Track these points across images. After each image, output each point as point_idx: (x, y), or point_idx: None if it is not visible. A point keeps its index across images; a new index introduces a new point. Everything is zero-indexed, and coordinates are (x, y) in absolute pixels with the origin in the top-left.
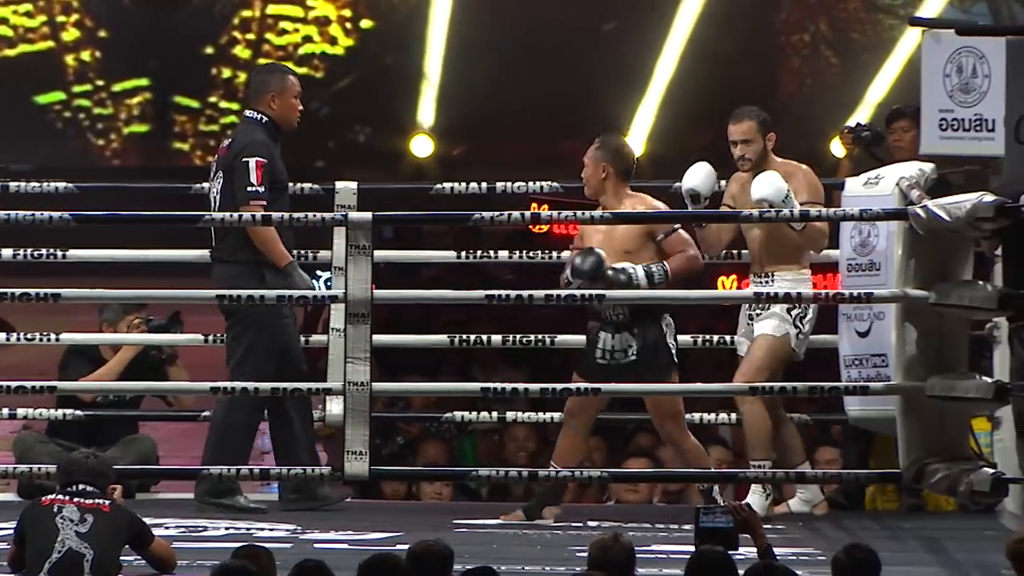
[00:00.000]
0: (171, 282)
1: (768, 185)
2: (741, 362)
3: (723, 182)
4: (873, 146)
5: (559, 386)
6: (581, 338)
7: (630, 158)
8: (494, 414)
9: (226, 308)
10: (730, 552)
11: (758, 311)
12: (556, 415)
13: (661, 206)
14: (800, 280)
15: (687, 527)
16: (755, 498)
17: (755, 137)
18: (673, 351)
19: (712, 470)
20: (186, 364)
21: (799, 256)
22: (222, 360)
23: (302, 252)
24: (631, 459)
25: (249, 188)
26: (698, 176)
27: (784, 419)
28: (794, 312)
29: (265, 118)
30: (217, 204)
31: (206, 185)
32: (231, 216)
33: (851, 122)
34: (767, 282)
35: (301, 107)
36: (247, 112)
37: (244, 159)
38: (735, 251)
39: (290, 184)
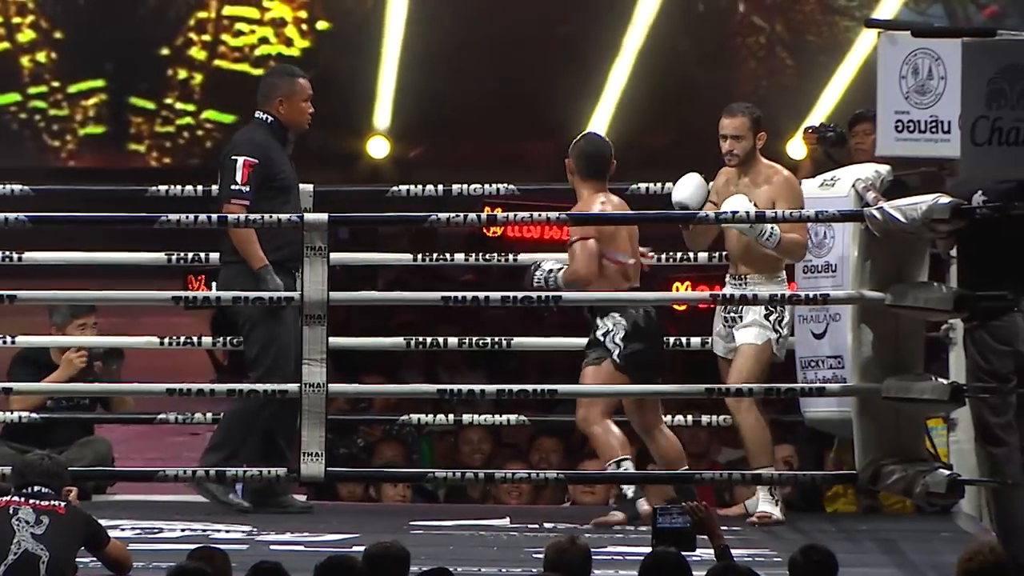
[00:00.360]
0: (128, 284)
1: (686, 187)
2: (730, 372)
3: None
4: (836, 147)
5: (515, 387)
6: (538, 340)
7: (598, 158)
8: (450, 416)
9: (231, 314)
10: (687, 553)
11: (737, 315)
12: (512, 417)
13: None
14: (775, 286)
15: (643, 528)
16: (768, 505)
17: (746, 134)
18: (611, 346)
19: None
20: (142, 367)
21: (775, 262)
22: (178, 363)
23: None
24: (587, 460)
25: (232, 187)
26: (687, 189)
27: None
28: (772, 317)
29: (271, 118)
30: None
31: (162, 188)
32: (187, 217)
33: (814, 122)
34: (741, 285)
35: (312, 110)
36: (255, 114)
37: (232, 157)
38: (691, 255)
39: None
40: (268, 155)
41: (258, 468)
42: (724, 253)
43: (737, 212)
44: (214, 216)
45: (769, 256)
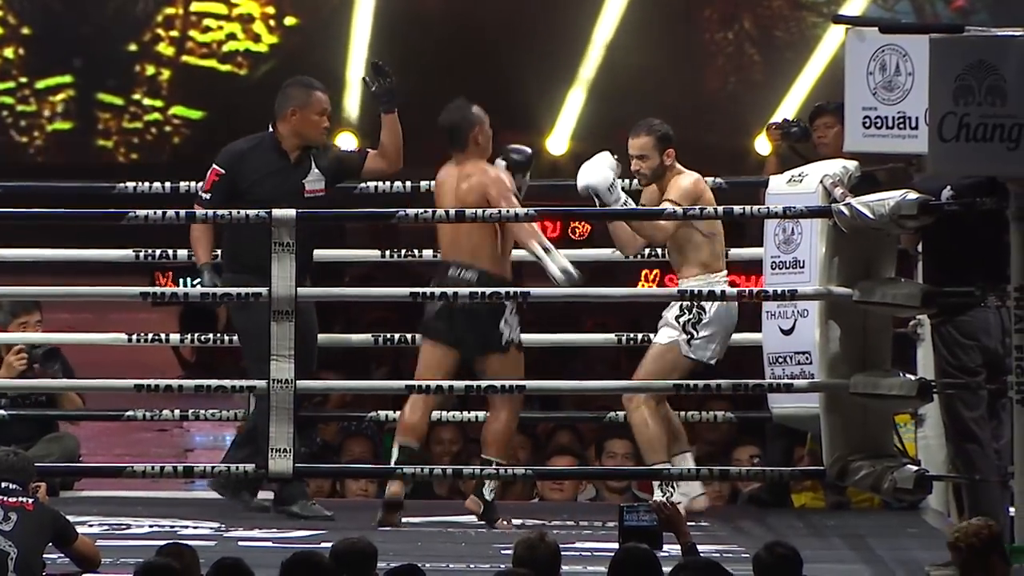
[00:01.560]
0: (93, 281)
1: (592, 173)
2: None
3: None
4: (800, 143)
5: (484, 383)
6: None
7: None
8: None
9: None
10: (654, 551)
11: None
12: (480, 413)
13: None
14: (707, 284)
15: (611, 524)
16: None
17: (651, 153)
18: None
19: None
20: (110, 362)
21: (706, 258)
22: (145, 359)
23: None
24: (555, 457)
25: (199, 192)
26: (588, 172)
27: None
28: (683, 318)
29: (271, 130)
30: None
31: (130, 184)
32: (155, 213)
33: (778, 118)
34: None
35: (327, 124)
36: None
37: (213, 163)
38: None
39: None
40: (240, 167)
41: (225, 464)
42: None
43: (598, 190)
44: (182, 212)
45: (694, 253)
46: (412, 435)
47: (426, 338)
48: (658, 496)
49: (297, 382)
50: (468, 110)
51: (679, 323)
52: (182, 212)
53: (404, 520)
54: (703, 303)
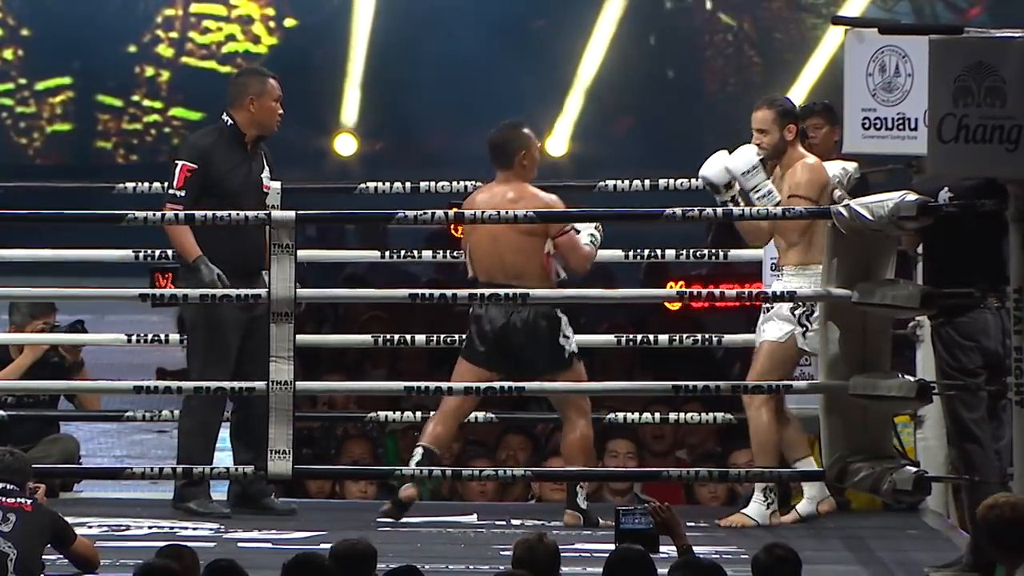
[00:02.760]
0: (93, 282)
1: (733, 156)
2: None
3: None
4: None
5: (483, 384)
6: None
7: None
8: (418, 414)
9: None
10: (651, 554)
11: (767, 308)
12: (480, 414)
13: (553, 199)
14: (810, 275)
15: (610, 524)
16: (756, 507)
17: (770, 128)
18: (565, 347)
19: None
20: (107, 364)
21: (812, 249)
22: (143, 360)
23: None
24: (553, 458)
25: (170, 191)
26: (710, 165)
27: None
28: (799, 311)
29: (230, 121)
30: None
31: (130, 185)
32: (154, 215)
33: None
34: (778, 277)
35: (281, 111)
36: (223, 115)
37: (175, 161)
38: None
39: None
40: (210, 161)
41: (225, 467)
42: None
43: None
44: (181, 213)
45: (797, 243)
46: (438, 443)
47: (468, 361)
48: (759, 502)
49: (297, 383)
50: (519, 129)
51: (795, 315)
52: (181, 213)
53: (404, 520)
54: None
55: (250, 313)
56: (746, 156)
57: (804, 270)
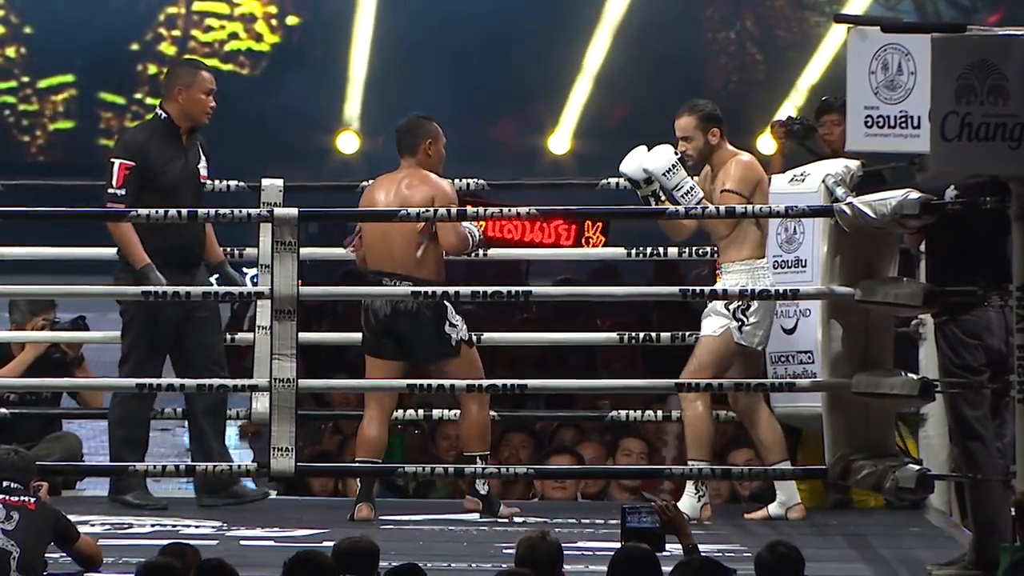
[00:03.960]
0: (87, 280)
1: (651, 156)
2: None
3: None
4: (805, 140)
5: (485, 382)
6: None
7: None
8: (420, 412)
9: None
10: (657, 552)
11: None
12: (494, 414)
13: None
14: (749, 269)
15: (613, 523)
16: (687, 500)
17: (694, 134)
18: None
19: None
20: (101, 361)
21: (753, 245)
22: None
23: (227, 249)
24: (555, 456)
25: (108, 190)
26: (628, 162)
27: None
28: (733, 305)
29: (164, 115)
30: None
31: None
32: (156, 212)
33: (782, 116)
34: (719, 274)
35: (213, 104)
36: (156, 108)
37: (110, 159)
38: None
39: (214, 181)
40: (146, 156)
41: (228, 463)
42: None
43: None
44: (183, 211)
45: (734, 239)
46: (371, 451)
47: (369, 355)
48: (690, 495)
49: (299, 381)
50: (430, 121)
51: (729, 310)
52: (184, 211)
53: (406, 518)
54: (751, 289)
55: (188, 308)
56: (664, 156)
57: (742, 265)
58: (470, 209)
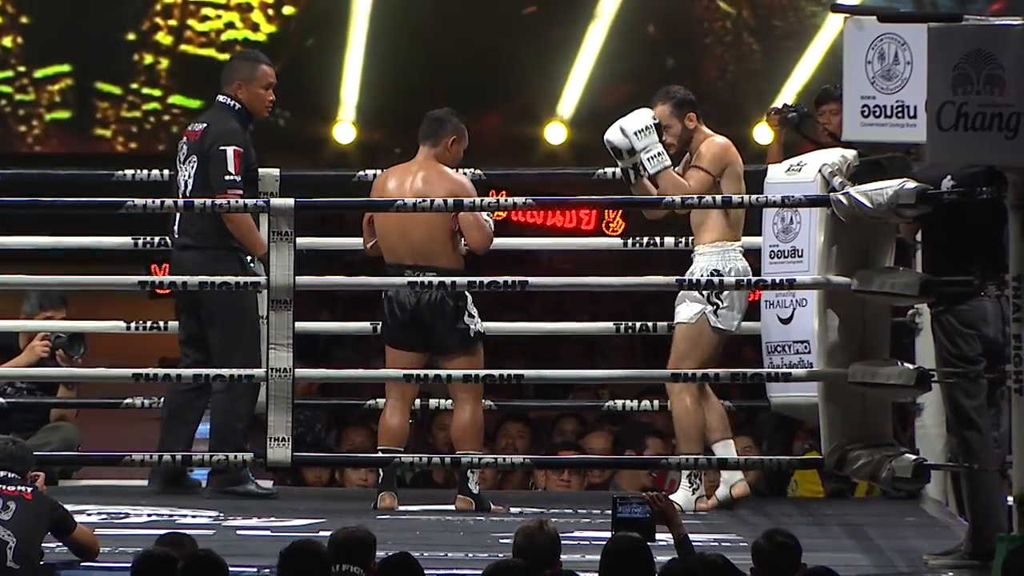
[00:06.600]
0: (92, 269)
1: (612, 130)
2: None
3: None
4: (801, 127)
5: (482, 372)
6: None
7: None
8: (417, 401)
9: (195, 297)
10: (648, 542)
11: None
12: (491, 403)
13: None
14: (719, 252)
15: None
16: (682, 493)
17: (670, 120)
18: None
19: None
20: (106, 351)
21: (725, 227)
22: (141, 348)
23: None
24: (561, 451)
25: (227, 177)
26: (612, 130)
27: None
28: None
29: (237, 104)
30: (190, 189)
31: (128, 172)
32: (153, 202)
33: (777, 103)
34: (693, 257)
35: (272, 98)
36: (219, 96)
37: (221, 147)
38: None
39: None
40: (246, 143)
41: (224, 453)
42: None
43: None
44: (180, 201)
45: (709, 222)
46: (394, 440)
47: (389, 345)
48: (685, 488)
49: (296, 370)
50: (460, 120)
51: (703, 295)
52: (180, 201)
53: (403, 508)
54: (719, 271)
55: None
56: (641, 117)
57: (712, 247)
58: (466, 199)
